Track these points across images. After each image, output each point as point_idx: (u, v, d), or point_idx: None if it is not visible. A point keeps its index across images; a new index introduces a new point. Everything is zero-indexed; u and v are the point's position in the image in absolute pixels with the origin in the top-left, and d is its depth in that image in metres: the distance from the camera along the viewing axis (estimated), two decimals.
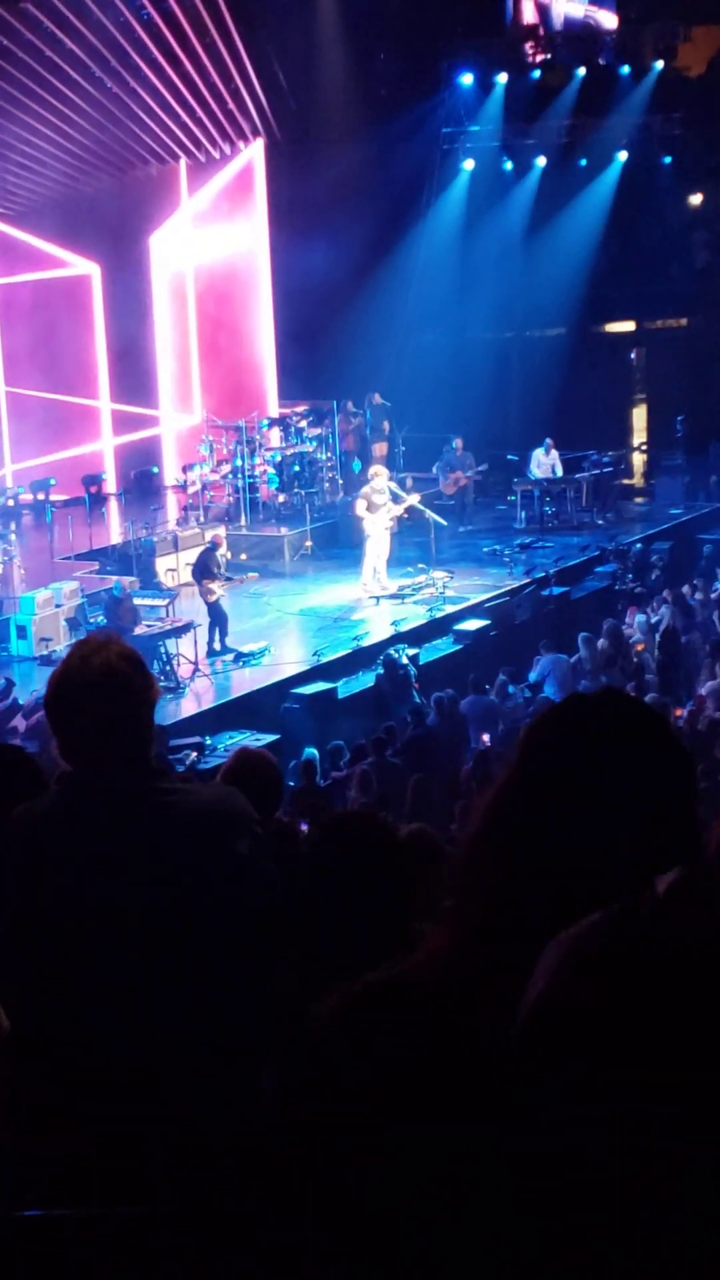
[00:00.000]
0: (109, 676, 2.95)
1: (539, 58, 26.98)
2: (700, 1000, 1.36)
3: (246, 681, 16.69)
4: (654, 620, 17.79)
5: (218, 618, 17.46)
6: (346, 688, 16.61)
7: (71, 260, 24.93)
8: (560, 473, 23.54)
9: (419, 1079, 1.55)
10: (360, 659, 17.20)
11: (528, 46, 27.11)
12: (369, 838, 3.32)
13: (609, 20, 28.18)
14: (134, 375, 25.06)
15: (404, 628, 17.99)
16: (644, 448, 27.74)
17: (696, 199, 26.95)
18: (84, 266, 25.03)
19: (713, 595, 19.12)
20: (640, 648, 17.37)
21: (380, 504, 19.45)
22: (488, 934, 1.61)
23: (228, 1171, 2.75)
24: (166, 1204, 2.74)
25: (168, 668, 16.16)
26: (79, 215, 24.17)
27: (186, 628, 17.02)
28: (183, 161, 24.71)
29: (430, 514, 20.38)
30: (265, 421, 24.00)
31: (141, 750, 3.02)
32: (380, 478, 19.87)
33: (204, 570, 17.72)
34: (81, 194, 24.20)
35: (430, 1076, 1.55)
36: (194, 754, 13.57)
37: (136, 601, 17.82)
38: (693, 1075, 1.35)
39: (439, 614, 18.64)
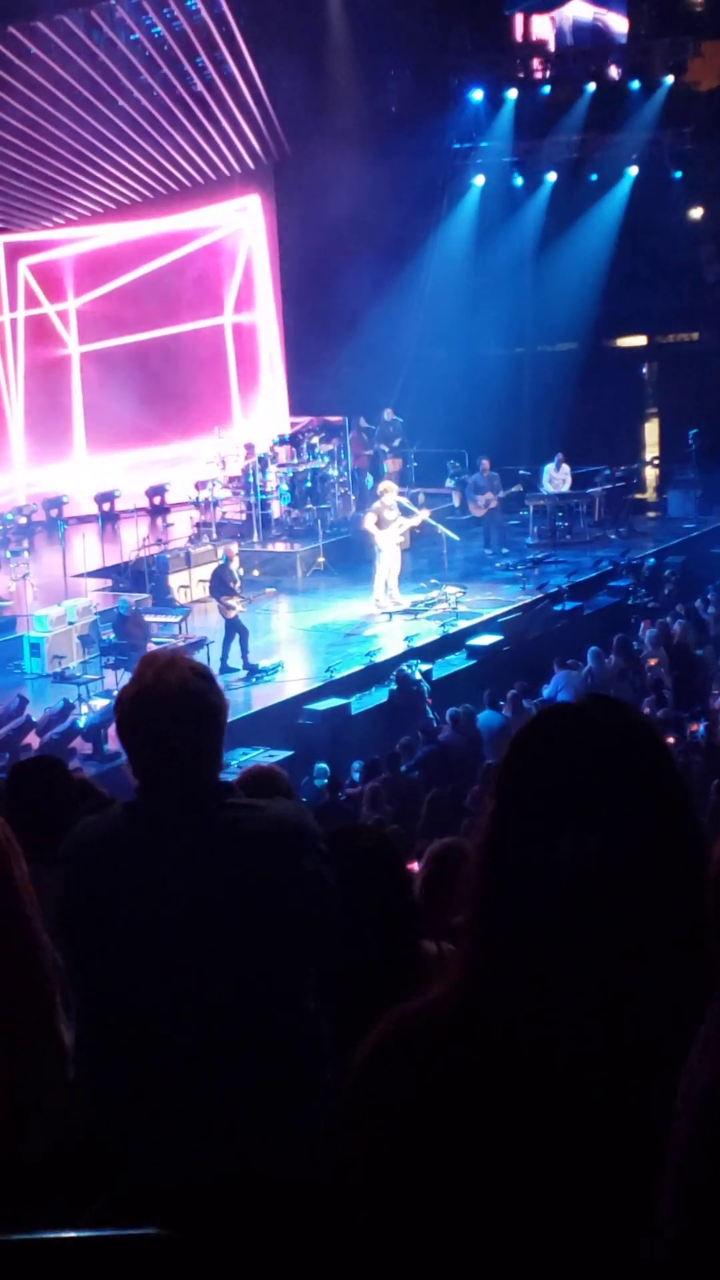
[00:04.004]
0: (188, 693, 2.96)
1: (548, 73, 26.98)
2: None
3: (260, 698, 16.67)
4: (672, 632, 17.72)
5: (239, 632, 17.43)
6: (360, 704, 16.57)
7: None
8: (569, 487, 23.51)
9: (446, 1111, 1.54)
10: (373, 675, 17.17)
11: (536, 62, 27.13)
12: (360, 849, 3.33)
13: (618, 23, 27.90)
14: None
15: (417, 643, 17.95)
16: (656, 462, 27.71)
17: (702, 213, 26.90)
18: None
19: None
20: (653, 662, 17.32)
21: (391, 519, 19.42)
22: (494, 954, 1.60)
23: (294, 1181, 2.73)
24: (228, 1215, 2.73)
25: None
26: None
27: (200, 644, 17.00)
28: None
29: (443, 529, 20.35)
30: (278, 438, 24.02)
31: (214, 765, 3.04)
32: (391, 493, 19.84)
33: (221, 586, 17.68)
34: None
35: (456, 1108, 1.54)
36: None
37: (149, 619, 17.83)
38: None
39: (452, 629, 18.60)
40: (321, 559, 21.68)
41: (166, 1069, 2.89)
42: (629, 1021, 1.52)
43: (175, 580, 20.14)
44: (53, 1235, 2.01)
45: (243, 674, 17.22)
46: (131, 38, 22.01)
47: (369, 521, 19.61)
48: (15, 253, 24.98)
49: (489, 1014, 1.57)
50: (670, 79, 26.12)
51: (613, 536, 23.31)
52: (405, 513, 19.79)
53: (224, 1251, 2.64)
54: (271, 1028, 2.90)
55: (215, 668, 17.02)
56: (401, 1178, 1.57)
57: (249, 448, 23.34)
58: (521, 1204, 1.50)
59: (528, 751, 1.65)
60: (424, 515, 20.08)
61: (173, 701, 2.94)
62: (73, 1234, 2.04)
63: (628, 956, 1.53)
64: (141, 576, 20.03)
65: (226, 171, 25.06)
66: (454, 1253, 1.53)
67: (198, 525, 23.29)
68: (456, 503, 23.67)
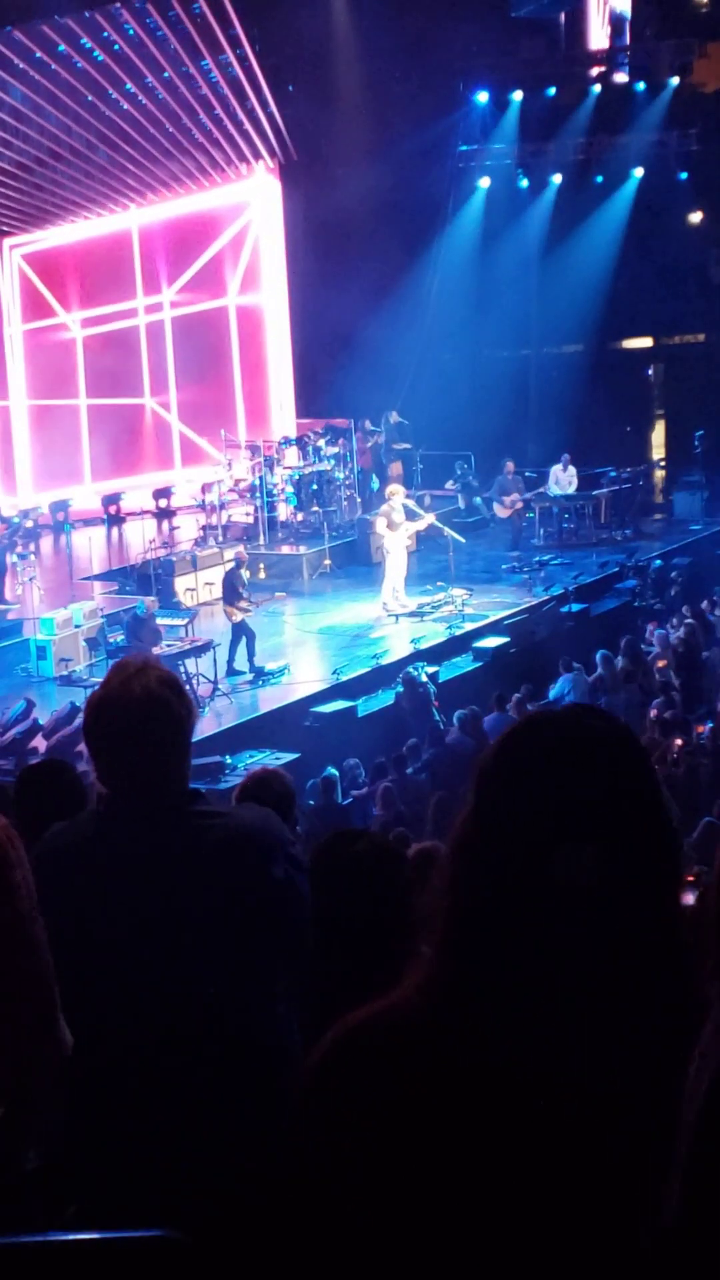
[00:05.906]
0: (150, 702, 2.95)
1: (554, 75, 26.91)
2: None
3: (266, 700, 16.66)
4: (676, 636, 17.71)
5: (246, 635, 17.42)
6: (366, 706, 16.55)
7: None
8: (575, 488, 23.48)
9: (402, 1116, 1.53)
10: (380, 677, 17.15)
11: (542, 64, 27.07)
12: (359, 853, 3.31)
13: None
14: None
15: (423, 645, 17.94)
16: (662, 464, 27.67)
17: (708, 215, 26.88)
18: None
19: None
20: (662, 664, 17.30)
21: (400, 522, 19.43)
22: (458, 960, 1.59)
23: (258, 1190, 2.73)
24: (200, 1223, 2.73)
25: (187, 687, 16.11)
26: None
27: (206, 647, 17.01)
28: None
29: (449, 531, 20.35)
30: (284, 440, 24.02)
31: (180, 774, 3.02)
32: (398, 495, 19.85)
33: (232, 591, 17.67)
34: None
35: (412, 1113, 1.53)
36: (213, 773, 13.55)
37: (157, 621, 17.82)
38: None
39: (458, 631, 18.58)
40: (328, 561, 21.67)
41: (139, 1075, 2.89)
42: (614, 1034, 1.51)
43: (181, 583, 20.13)
44: (51, 1238, 2.01)
45: (249, 677, 17.22)
46: (134, 39, 22.01)
47: (380, 524, 19.60)
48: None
49: (458, 1024, 1.55)
50: (675, 80, 26.12)
51: (619, 538, 23.28)
52: (411, 515, 19.78)
53: (198, 1256, 2.65)
54: (242, 1033, 2.90)
55: (222, 671, 17.04)
56: (352, 1185, 1.56)
57: (254, 450, 23.34)
58: (475, 1215, 1.49)
59: (517, 759, 1.62)
60: (430, 519, 20.06)
61: (136, 709, 2.94)
62: (71, 1237, 2.04)
63: (617, 966, 1.52)
64: (148, 579, 20.02)
65: (232, 175, 25.06)
66: (410, 1260, 1.52)
67: (204, 528, 23.31)
68: (462, 504, 23.66)
